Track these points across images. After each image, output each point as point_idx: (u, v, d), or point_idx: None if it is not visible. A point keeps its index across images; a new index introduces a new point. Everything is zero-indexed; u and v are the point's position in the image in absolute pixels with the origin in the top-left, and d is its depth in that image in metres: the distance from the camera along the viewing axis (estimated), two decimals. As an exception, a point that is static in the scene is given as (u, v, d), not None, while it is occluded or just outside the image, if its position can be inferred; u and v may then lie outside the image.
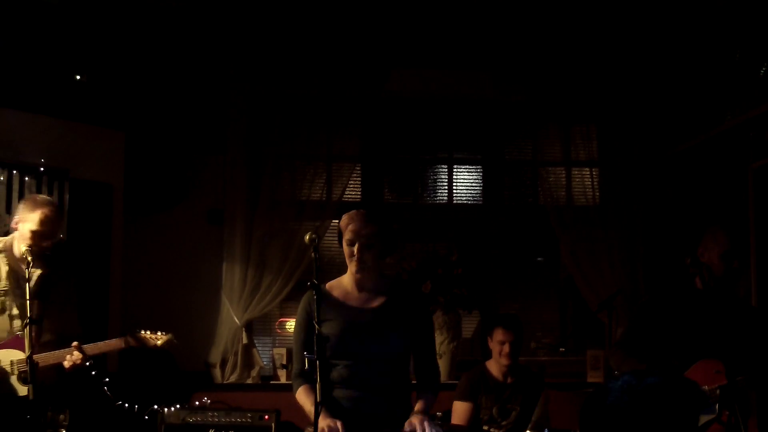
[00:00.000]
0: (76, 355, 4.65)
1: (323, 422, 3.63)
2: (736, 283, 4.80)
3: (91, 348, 4.71)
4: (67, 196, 6.31)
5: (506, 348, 5.48)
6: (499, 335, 5.52)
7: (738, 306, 4.76)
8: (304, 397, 3.88)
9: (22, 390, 4.60)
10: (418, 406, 3.91)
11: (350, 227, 3.90)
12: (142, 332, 4.80)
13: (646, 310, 4.85)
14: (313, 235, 3.72)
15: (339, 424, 3.65)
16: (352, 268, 3.93)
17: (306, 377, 3.86)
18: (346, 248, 3.93)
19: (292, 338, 4.23)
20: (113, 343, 4.79)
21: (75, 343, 4.66)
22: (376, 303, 3.95)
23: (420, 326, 4.03)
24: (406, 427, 3.77)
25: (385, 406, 3.87)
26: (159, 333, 4.80)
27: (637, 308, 5.13)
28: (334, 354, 3.75)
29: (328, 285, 4.05)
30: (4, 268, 4.77)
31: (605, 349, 6.61)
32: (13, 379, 4.66)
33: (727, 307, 4.63)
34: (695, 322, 4.59)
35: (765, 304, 5.95)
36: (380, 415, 3.83)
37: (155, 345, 4.80)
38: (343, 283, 4.03)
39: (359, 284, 3.96)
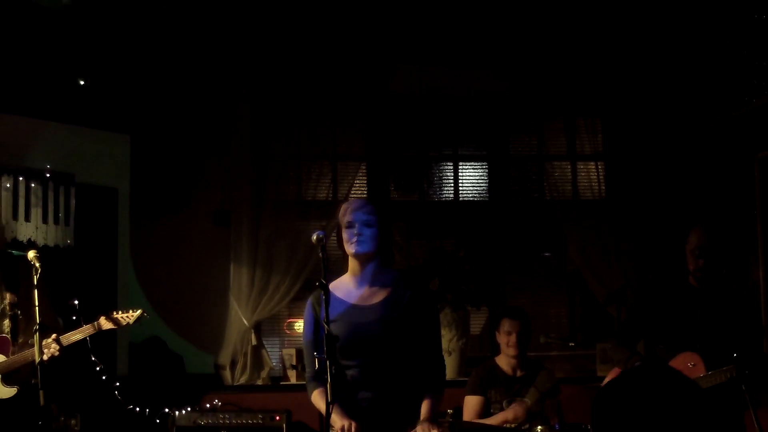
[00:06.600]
0: (54, 347, 4.59)
1: (339, 422, 3.61)
2: (711, 279, 4.87)
3: (66, 338, 4.68)
4: (73, 201, 6.31)
5: (513, 338, 5.53)
6: (505, 326, 5.60)
7: (726, 301, 4.93)
8: (319, 399, 3.80)
9: (3, 393, 4.60)
10: (424, 410, 3.79)
11: (349, 210, 3.82)
12: (114, 313, 4.78)
13: (638, 302, 5.21)
14: (320, 235, 3.68)
15: (354, 425, 3.61)
16: (350, 249, 3.79)
17: (320, 379, 3.75)
18: (345, 234, 3.81)
19: (301, 338, 4.16)
20: (86, 329, 4.74)
21: (53, 336, 4.62)
22: (379, 298, 3.82)
23: (425, 319, 3.87)
24: None
25: (400, 404, 3.79)
26: (130, 311, 4.79)
27: (632, 300, 5.57)
28: (344, 355, 3.64)
29: (330, 285, 3.89)
30: None
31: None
32: None
33: (713, 302, 4.85)
34: (681, 315, 4.84)
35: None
36: (397, 414, 3.76)
37: (128, 323, 4.79)
38: (344, 282, 3.92)
39: (360, 279, 3.82)
